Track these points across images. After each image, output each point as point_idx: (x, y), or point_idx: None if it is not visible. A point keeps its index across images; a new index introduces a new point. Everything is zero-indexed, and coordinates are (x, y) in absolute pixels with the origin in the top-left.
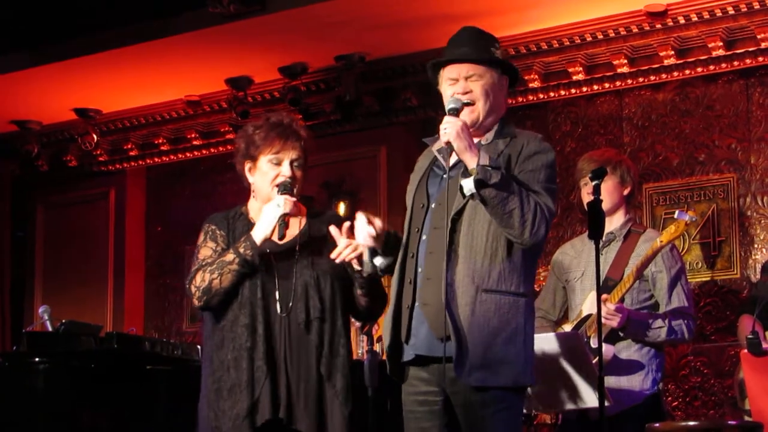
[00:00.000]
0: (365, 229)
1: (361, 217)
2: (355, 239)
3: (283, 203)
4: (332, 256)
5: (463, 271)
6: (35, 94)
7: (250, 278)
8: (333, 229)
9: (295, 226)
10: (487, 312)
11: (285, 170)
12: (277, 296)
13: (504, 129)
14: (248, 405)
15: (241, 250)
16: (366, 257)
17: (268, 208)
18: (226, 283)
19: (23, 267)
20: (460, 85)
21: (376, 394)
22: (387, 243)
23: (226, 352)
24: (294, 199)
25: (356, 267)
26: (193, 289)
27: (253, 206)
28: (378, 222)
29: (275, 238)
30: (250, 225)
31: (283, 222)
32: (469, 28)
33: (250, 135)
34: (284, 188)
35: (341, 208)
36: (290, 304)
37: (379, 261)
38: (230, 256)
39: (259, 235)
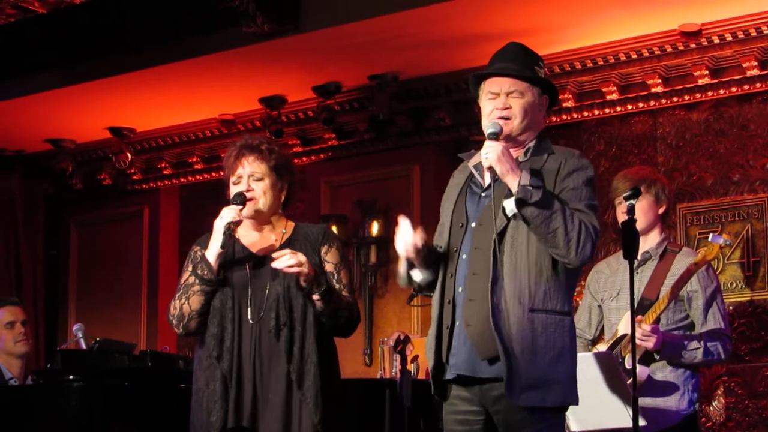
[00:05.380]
0: (409, 237)
1: (405, 224)
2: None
3: (225, 213)
4: (274, 259)
5: (510, 291)
6: (70, 112)
7: (222, 290)
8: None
9: (276, 239)
10: (534, 332)
11: (242, 185)
12: (249, 304)
13: (541, 146)
14: (215, 413)
15: (199, 272)
16: (402, 269)
17: (216, 222)
18: (196, 305)
19: (57, 285)
20: (500, 100)
21: (410, 413)
22: (427, 258)
23: (205, 364)
24: (239, 207)
25: (302, 283)
26: (170, 318)
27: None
28: (421, 233)
29: (254, 250)
30: (234, 240)
31: (228, 231)
32: (516, 43)
33: (224, 162)
34: (235, 198)
35: (374, 227)
36: (262, 313)
37: (417, 276)
38: (191, 279)
39: (212, 252)
